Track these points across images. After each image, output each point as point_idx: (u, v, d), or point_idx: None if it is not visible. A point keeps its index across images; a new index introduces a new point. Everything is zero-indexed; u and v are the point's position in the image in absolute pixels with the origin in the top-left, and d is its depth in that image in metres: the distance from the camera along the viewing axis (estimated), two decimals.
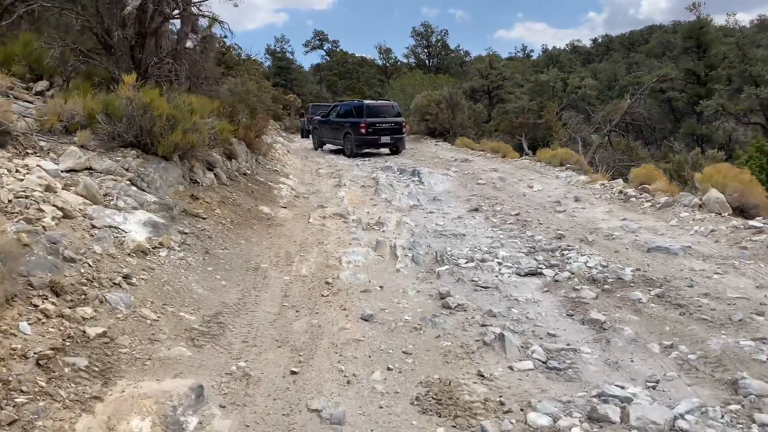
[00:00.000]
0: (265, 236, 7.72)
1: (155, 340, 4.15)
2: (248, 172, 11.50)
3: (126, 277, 4.87)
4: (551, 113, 23.85)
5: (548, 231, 8.08)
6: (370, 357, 4.18)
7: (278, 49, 62.20)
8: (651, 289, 5.49)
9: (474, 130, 26.68)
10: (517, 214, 9.29)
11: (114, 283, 4.66)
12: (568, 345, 4.33)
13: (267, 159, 15.49)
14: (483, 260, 6.59)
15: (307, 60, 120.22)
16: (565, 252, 6.85)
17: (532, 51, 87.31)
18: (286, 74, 60.19)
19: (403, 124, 20.81)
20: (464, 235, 7.96)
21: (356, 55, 70.62)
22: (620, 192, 10.38)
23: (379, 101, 23.88)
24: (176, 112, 8.08)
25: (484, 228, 8.51)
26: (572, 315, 4.97)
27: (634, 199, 9.87)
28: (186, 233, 6.71)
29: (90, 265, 4.70)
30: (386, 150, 20.84)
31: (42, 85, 9.91)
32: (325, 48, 71.73)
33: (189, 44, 13.48)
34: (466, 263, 6.50)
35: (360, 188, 12.68)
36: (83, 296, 4.19)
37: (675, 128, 33.46)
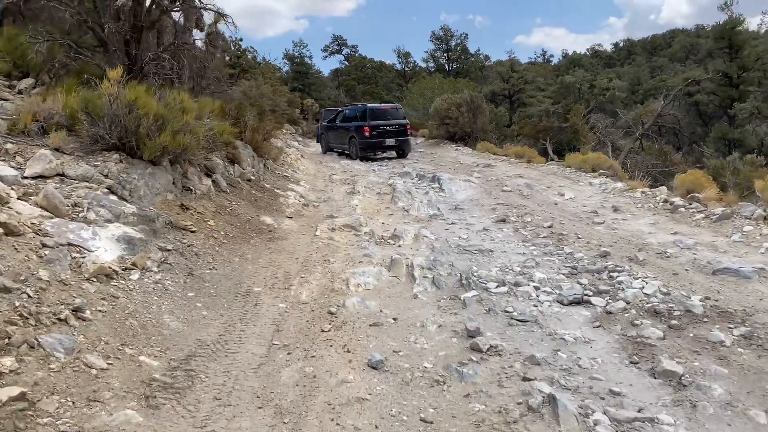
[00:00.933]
0: (264, 252, 6.74)
1: (96, 400, 3.18)
2: (253, 177, 10.56)
3: (76, 310, 3.91)
4: (578, 116, 22.62)
5: (589, 247, 6.99)
6: (376, 427, 3.15)
7: (296, 54, 61.58)
8: (732, 326, 4.39)
9: (495, 134, 25.55)
10: (550, 226, 8.21)
11: (57, 320, 3.71)
12: (640, 411, 3.27)
13: (277, 164, 14.60)
14: (516, 284, 5.54)
15: (326, 65, 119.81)
16: (614, 274, 5.77)
17: (552, 56, 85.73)
18: (305, 79, 59.52)
19: (408, 126, 20.58)
20: (492, 252, 6.91)
21: (375, 59, 69.85)
22: (665, 201, 9.24)
23: (383, 104, 23.88)
24: (165, 112, 7.16)
25: (514, 242, 7.45)
26: (637, 363, 3.90)
27: (682, 209, 8.72)
28: (168, 250, 5.76)
29: (29, 296, 3.75)
30: (394, 153, 20.60)
31: (26, 82, 9.08)
32: (343, 53, 71.01)
33: (195, 41, 12.66)
34: (496, 287, 5.45)
35: (375, 196, 11.68)
36: (5, 341, 3.23)
37: (704, 132, 31.97)
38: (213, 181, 8.79)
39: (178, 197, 7.25)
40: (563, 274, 5.87)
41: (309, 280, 5.75)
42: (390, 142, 19.80)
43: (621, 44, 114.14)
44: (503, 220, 8.83)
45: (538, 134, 24.65)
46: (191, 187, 7.74)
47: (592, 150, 19.10)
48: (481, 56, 71.52)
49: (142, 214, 5.97)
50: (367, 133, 19.42)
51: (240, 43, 35.74)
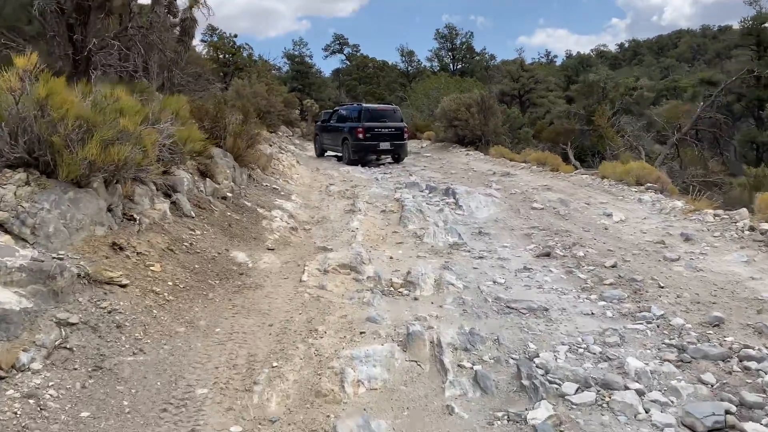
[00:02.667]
0: (225, 313, 4.76)
1: None
2: (231, 194, 8.58)
3: None
4: (603, 118, 20.66)
5: (684, 305, 5.00)
6: None
7: (296, 53, 59.61)
8: None
9: (509, 137, 23.57)
10: (613, 266, 6.21)
11: None
12: None
13: (267, 173, 12.65)
14: (606, 384, 3.56)
15: (327, 65, 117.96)
16: (750, 364, 3.79)
17: (555, 56, 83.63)
18: (304, 79, 57.57)
19: (405, 129, 19.29)
20: (547, 311, 4.93)
21: (377, 59, 67.87)
22: (752, 229, 7.25)
23: (379, 105, 22.69)
24: (92, 114, 5.19)
25: (572, 292, 5.47)
26: None
27: None
28: (72, 325, 3.80)
29: None
30: (389, 158, 19.34)
31: None
32: (345, 52, 69.09)
33: (169, 27, 10.70)
34: (577, 392, 3.47)
35: (380, 214, 9.70)
36: None
37: (728, 136, 29.98)
38: (173, 203, 6.82)
39: (113, 232, 5.27)
40: (670, 361, 3.88)
41: (283, 372, 3.76)
42: (385, 145, 18.47)
43: (626, 45, 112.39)
44: (547, 254, 6.84)
45: (557, 138, 22.65)
46: (136, 216, 5.76)
47: (621, 156, 17.11)
48: (486, 55, 69.62)
49: (36, 268, 3.99)
50: (360, 135, 18.04)
51: (234, 39, 33.92)
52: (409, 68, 64.35)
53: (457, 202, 10.52)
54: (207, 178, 8.35)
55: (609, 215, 9.03)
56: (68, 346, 3.63)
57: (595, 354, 4.01)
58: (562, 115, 25.20)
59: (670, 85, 49.28)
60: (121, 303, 4.26)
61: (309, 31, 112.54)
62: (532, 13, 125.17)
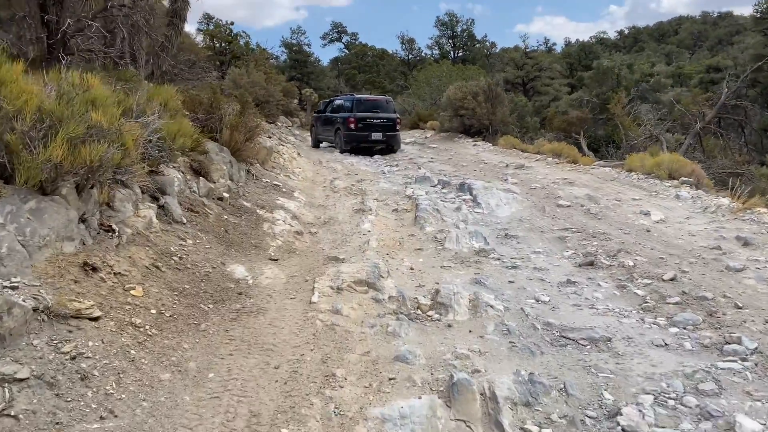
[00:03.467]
0: (221, 351, 3.88)
1: None
2: (227, 194, 7.69)
3: None
4: (619, 106, 19.68)
5: None
6: None
7: (294, 42, 58.43)
8: None
9: (516, 127, 22.63)
10: (672, 279, 5.34)
11: None
12: None
13: (267, 168, 11.77)
14: None
15: (326, 54, 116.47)
16: None
17: (554, 44, 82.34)
18: (303, 68, 56.51)
19: (398, 120, 19.40)
20: (609, 341, 4.07)
21: (376, 47, 66.68)
22: None
23: (372, 95, 23.19)
24: (59, 107, 4.29)
25: (633, 315, 4.60)
26: None
27: None
28: (21, 381, 2.93)
29: None
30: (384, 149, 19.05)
31: None
32: (343, 41, 67.95)
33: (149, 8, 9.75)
34: None
35: (392, 214, 8.83)
36: None
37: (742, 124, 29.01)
38: (161, 207, 5.94)
39: (86, 248, 4.39)
40: None
41: None
42: (377, 136, 18.43)
43: (626, 31, 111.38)
44: (590, 263, 5.97)
45: (569, 127, 21.70)
46: (115, 226, 4.87)
47: (641, 147, 16.21)
48: (487, 43, 68.52)
49: None
50: (352, 126, 18.19)
51: (231, 27, 32.83)
52: (410, 56, 63.17)
53: (475, 199, 9.64)
54: (201, 177, 7.46)
55: (646, 214, 8.15)
56: (12, 413, 2.77)
57: (691, 408, 3.15)
58: (574, 103, 24.16)
59: (675, 72, 48.26)
60: (90, 344, 3.40)
61: (306, 21, 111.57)
62: (529, 1, 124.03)
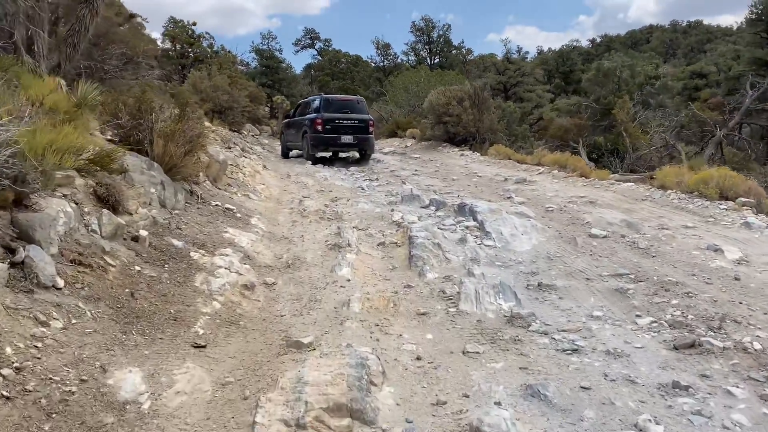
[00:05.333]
0: None
1: None
2: (146, 232, 5.42)
3: None
4: (625, 111, 17.79)
5: None
6: None
7: (265, 47, 55.98)
8: None
9: (505, 134, 20.71)
10: None
11: None
12: None
13: (221, 186, 9.59)
14: None
15: (298, 61, 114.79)
16: None
17: (527, 52, 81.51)
18: (274, 74, 54.17)
19: (370, 122, 17.56)
20: None
21: (350, 53, 64.62)
22: None
23: (341, 95, 22.17)
24: None
25: None
26: None
27: None
28: None
29: None
30: (356, 155, 17.74)
31: None
32: (316, 47, 65.72)
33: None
34: None
35: (378, 249, 6.70)
36: None
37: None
38: (17, 266, 3.70)
39: None
40: None
41: None
42: (347, 139, 16.76)
43: (598, 39, 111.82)
44: (691, 344, 3.88)
45: (565, 135, 19.82)
46: None
47: (649, 156, 14.31)
48: (463, 50, 66.97)
49: None
50: (319, 127, 16.45)
51: (193, 28, 30.35)
52: (385, 62, 61.27)
53: (482, 227, 7.56)
54: (109, 208, 5.21)
55: (716, 250, 6.13)
56: None
57: None
58: (571, 108, 22.25)
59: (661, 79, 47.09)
60: None
61: (279, 29, 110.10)
62: (501, 10, 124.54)
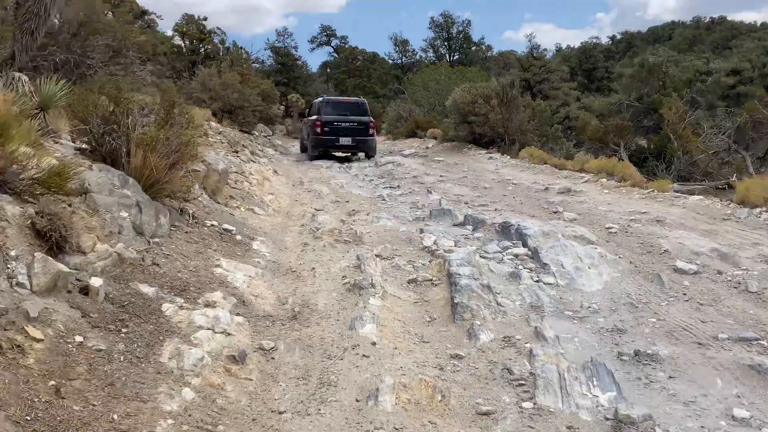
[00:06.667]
0: None
1: None
2: (99, 282, 4.01)
3: None
4: (676, 111, 16.03)
5: None
6: None
7: (281, 45, 54.69)
8: None
9: (536, 135, 19.18)
10: None
11: None
12: None
13: (220, 199, 8.31)
14: None
15: (315, 59, 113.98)
16: None
17: (545, 50, 79.93)
18: (290, 72, 52.94)
19: (370, 124, 18.04)
20: None
21: (367, 50, 63.20)
22: None
23: (343, 97, 23.27)
24: None
25: None
26: None
27: None
28: None
29: None
30: (362, 156, 18.19)
31: None
32: (332, 44, 64.35)
33: None
34: None
35: (407, 289, 5.29)
36: None
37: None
38: None
39: None
40: None
41: None
42: (345, 141, 17.36)
43: (618, 36, 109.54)
44: None
45: (604, 137, 18.20)
46: None
47: (709, 163, 12.71)
48: (483, 46, 65.25)
49: None
50: (318, 129, 17.15)
51: (204, 23, 29.02)
52: (404, 59, 59.75)
53: (536, 256, 6.10)
54: (51, 248, 3.84)
55: None
56: None
57: None
58: (611, 107, 20.53)
59: (691, 78, 44.98)
60: None
61: (296, 28, 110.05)
62: (518, 8, 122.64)
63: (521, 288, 5.31)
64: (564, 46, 78.77)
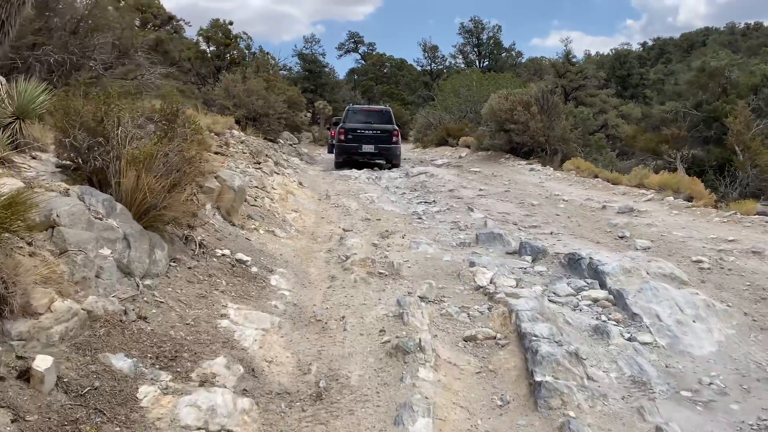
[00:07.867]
0: None
1: None
2: (44, 362, 2.91)
3: None
4: (743, 119, 14.57)
5: None
6: None
7: (308, 52, 53.96)
8: None
9: (579, 145, 17.81)
10: None
11: None
12: None
13: (236, 221, 7.21)
14: None
15: (342, 66, 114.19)
16: None
17: (574, 56, 78.12)
18: (317, 79, 52.15)
19: (394, 132, 17.72)
20: None
21: (395, 57, 62.22)
22: None
23: (367, 106, 23.33)
24: None
25: None
26: None
27: None
28: None
29: None
30: (385, 164, 17.71)
31: None
32: (360, 51, 63.51)
33: None
34: None
35: (466, 352, 4.09)
36: None
37: None
38: None
39: None
40: None
41: None
42: (368, 148, 17.21)
43: (649, 43, 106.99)
44: None
45: (657, 147, 16.75)
46: None
47: None
48: (513, 52, 63.76)
49: None
50: (342, 137, 17.24)
51: (229, 27, 28.12)
52: (432, 65, 58.58)
53: (620, 302, 4.89)
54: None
55: None
56: None
57: None
58: (668, 114, 19.03)
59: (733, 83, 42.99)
60: None
61: (324, 36, 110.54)
62: (545, 14, 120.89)
63: (612, 350, 4.08)
64: (593, 53, 76.75)
